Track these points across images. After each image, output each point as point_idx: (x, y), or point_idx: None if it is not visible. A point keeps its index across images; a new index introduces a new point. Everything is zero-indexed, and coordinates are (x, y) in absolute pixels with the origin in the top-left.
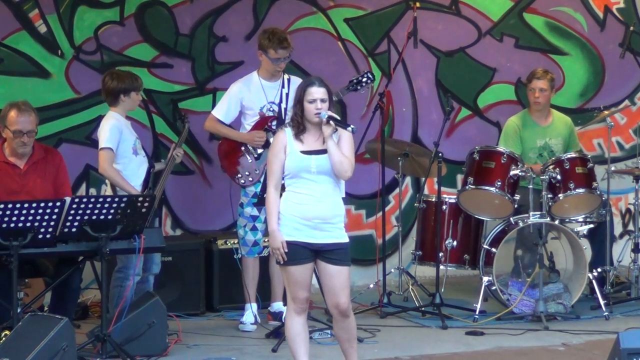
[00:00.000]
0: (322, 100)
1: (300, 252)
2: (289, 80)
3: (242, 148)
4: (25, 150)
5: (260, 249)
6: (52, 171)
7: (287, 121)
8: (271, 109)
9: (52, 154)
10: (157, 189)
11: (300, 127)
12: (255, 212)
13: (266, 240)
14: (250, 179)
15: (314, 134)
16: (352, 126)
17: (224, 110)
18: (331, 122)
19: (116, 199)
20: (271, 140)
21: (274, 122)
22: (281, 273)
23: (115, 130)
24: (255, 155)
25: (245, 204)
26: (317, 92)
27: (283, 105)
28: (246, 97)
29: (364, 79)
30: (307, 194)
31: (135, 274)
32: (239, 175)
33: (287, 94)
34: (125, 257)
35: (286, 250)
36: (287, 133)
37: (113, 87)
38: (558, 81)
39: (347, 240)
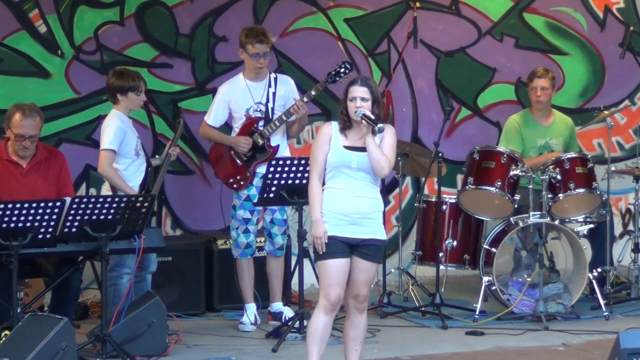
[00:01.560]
0: (363, 99)
1: (338, 247)
2: (275, 78)
3: (232, 152)
4: (26, 153)
5: (253, 251)
6: (55, 172)
7: (273, 119)
8: (258, 109)
9: (55, 155)
10: (154, 188)
11: (346, 123)
12: (247, 214)
13: (261, 241)
14: (242, 182)
15: (358, 131)
16: (379, 125)
17: (212, 114)
18: (364, 120)
19: (116, 199)
20: (259, 142)
21: (260, 123)
22: (317, 269)
23: (120, 132)
24: (245, 159)
25: (237, 207)
26: (357, 91)
27: (270, 105)
28: (233, 99)
29: (342, 69)
30: (345, 189)
31: (129, 274)
32: (231, 180)
33: (274, 93)
34: (118, 256)
35: (326, 241)
36: (333, 126)
37: (111, 85)
38: (558, 81)
39: (384, 237)
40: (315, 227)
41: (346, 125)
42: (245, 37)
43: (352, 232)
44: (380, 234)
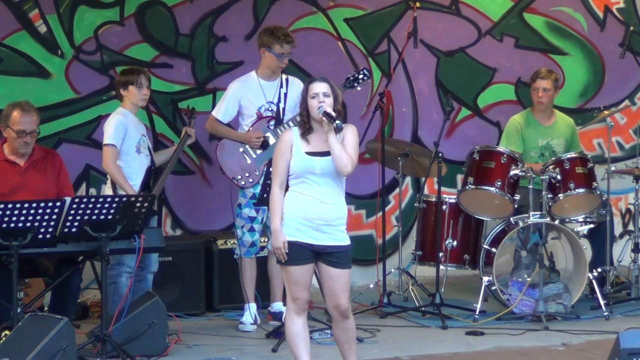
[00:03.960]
0: (325, 95)
1: (301, 253)
2: (287, 80)
3: (241, 149)
4: (27, 150)
5: (258, 250)
6: (53, 172)
7: (285, 121)
8: (269, 109)
9: (52, 156)
10: (156, 187)
11: (306, 126)
12: (252, 213)
13: (263, 240)
14: (250, 180)
15: (320, 135)
16: (337, 122)
17: (222, 110)
18: (324, 118)
19: (116, 199)
20: (270, 140)
21: (272, 122)
22: (282, 273)
23: (121, 127)
24: (255, 157)
25: (243, 205)
26: (318, 87)
27: (281, 105)
28: (244, 96)
29: (360, 76)
30: (310, 195)
31: (128, 272)
32: (239, 177)
33: (286, 94)
34: (118, 255)
35: (287, 251)
36: (294, 132)
37: (116, 82)
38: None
39: (348, 242)
40: (275, 238)
41: (306, 128)
42: (272, 37)
43: (315, 239)
44: (343, 240)
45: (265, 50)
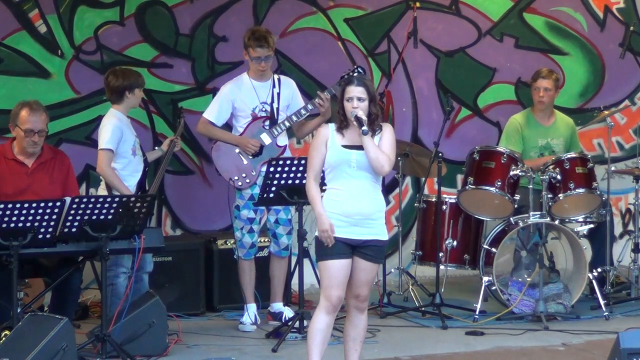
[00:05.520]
0: (359, 99)
1: (339, 247)
2: (279, 79)
3: (237, 150)
4: (35, 149)
5: (257, 251)
6: (61, 175)
7: (279, 121)
8: (263, 109)
9: (61, 158)
10: (152, 186)
11: (342, 122)
12: (251, 214)
13: (263, 240)
14: (247, 180)
15: (356, 130)
16: (364, 128)
17: (215, 112)
18: (354, 121)
19: (116, 199)
20: (265, 140)
21: (267, 122)
22: (318, 269)
23: (117, 131)
24: (251, 157)
25: (241, 207)
26: (354, 91)
27: (275, 105)
28: (238, 98)
29: (355, 74)
30: (346, 191)
31: (125, 273)
32: (236, 178)
33: (279, 94)
34: (114, 255)
35: (334, 234)
36: (329, 128)
37: (118, 85)
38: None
39: (386, 237)
40: (320, 222)
41: (343, 124)
42: (248, 40)
43: (353, 234)
44: (382, 235)
45: (245, 53)
